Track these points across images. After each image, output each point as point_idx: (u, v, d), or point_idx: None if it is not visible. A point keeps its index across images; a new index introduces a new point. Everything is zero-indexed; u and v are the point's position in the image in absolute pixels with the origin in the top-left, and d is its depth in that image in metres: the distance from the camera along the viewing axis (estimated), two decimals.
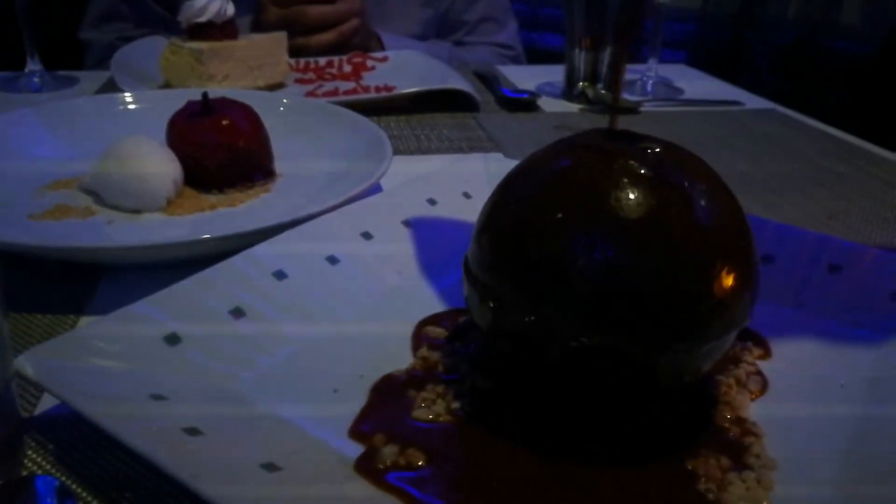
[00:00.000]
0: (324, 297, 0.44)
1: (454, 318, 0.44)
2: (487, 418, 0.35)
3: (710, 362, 0.33)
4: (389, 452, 0.33)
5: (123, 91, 0.76)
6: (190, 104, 0.61)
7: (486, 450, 0.34)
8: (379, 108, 0.89)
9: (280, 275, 0.44)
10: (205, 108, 0.60)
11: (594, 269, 0.30)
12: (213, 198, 0.60)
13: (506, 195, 0.36)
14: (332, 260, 0.47)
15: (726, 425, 0.35)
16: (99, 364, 0.35)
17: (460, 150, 0.79)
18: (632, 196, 0.31)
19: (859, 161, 0.79)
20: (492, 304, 0.34)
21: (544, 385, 0.35)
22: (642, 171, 0.32)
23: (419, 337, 0.42)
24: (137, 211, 0.56)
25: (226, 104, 0.62)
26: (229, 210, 0.58)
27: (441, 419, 0.35)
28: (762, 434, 0.35)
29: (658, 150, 0.34)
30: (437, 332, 0.42)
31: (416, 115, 0.89)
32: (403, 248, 0.50)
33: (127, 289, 0.43)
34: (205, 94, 0.61)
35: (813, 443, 0.34)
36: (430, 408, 0.36)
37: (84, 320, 0.45)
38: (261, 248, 0.45)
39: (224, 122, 0.60)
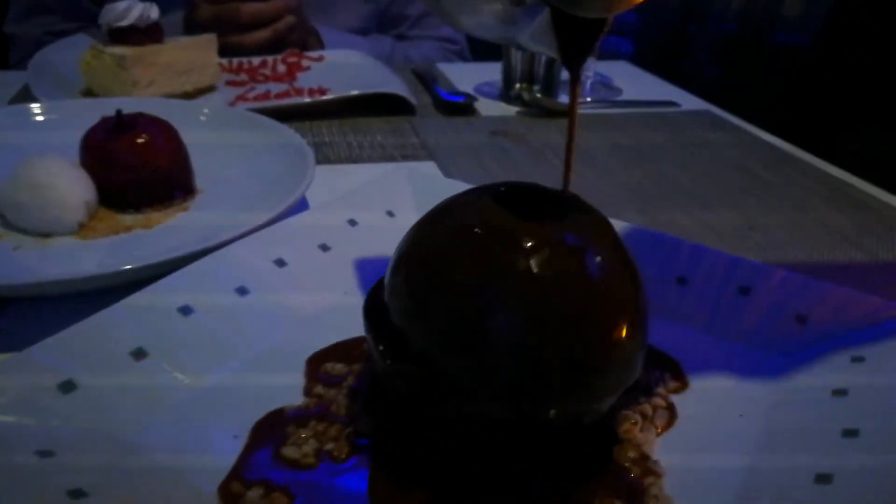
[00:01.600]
0: (231, 333, 0.43)
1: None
2: (358, 463, 0.35)
3: (607, 406, 0.34)
4: (255, 496, 0.32)
5: (38, 100, 0.73)
6: (104, 120, 0.59)
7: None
8: (312, 111, 0.87)
9: (186, 310, 0.43)
10: (119, 125, 0.58)
11: (482, 332, 0.30)
12: (128, 218, 0.58)
13: (409, 252, 0.36)
14: (242, 291, 0.46)
15: (627, 465, 0.35)
16: None
17: (392, 159, 0.78)
18: (523, 266, 0.31)
19: (787, 168, 0.81)
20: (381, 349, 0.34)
21: (430, 430, 0.35)
22: (534, 243, 0.31)
23: (316, 372, 0.42)
24: (47, 235, 0.55)
25: (141, 120, 0.60)
26: (144, 233, 0.56)
27: (304, 461, 0.35)
28: (663, 473, 0.35)
29: (554, 212, 0.34)
30: (338, 368, 0.42)
31: (350, 120, 0.88)
32: (317, 275, 0.49)
33: (35, 319, 0.43)
34: (118, 112, 0.59)
35: (709, 482, 0.35)
36: (300, 447, 0.36)
37: None
38: (167, 282, 0.44)
39: (140, 141, 0.58)
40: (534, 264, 0.31)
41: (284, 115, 0.80)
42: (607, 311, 0.31)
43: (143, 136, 0.59)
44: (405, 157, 0.78)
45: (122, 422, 0.36)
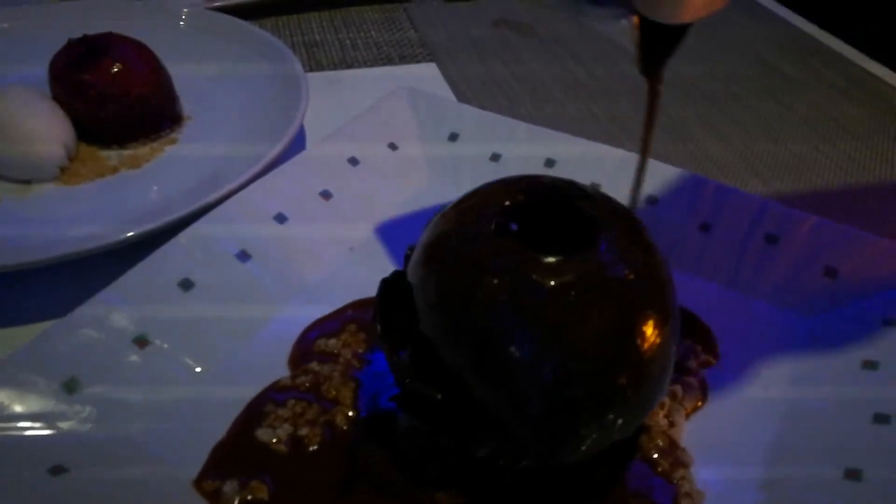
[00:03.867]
0: (234, 306, 0.41)
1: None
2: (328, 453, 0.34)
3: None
4: (231, 490, 0.32)
5: None
6: (71, 45, 0.54)
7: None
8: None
9: (186, 285, 0.41)
10: (90, 51, 0.53)
11: (522, 373, 0.28)
12: (113, 156, 0.54)
13: (444, 268, 0.31)
14: (243, 257, 0.43)
15: (656, 455, 0.35)
16: None
17: (389, 61, 0.72)
18: (561, 306, 0.28)
19: (813, 60, 0.75)
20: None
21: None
22: (575, 280, 0.28)
23: (310, 346, 0.40)
24: (27, 181, 0.51)
25: (113, 42, 0.54)
26: (132, 174, 0.52)
27: (274, 447, 0.35)
28: (691, 462, 0.35)
29: (585, 225, 0.31)
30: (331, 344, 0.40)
31: (340, 11, 0.81)
32: (320, 231, 0.46)
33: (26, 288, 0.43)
34: (85, 36, 0.53)
35: (733, 473, 0.35)
36: (275, 430, 0.35)
37: None
38: (164, 252, 0.41)
39: (116, 69, 0.53)
40: (573, 303, 0.28)
41: (269, 8, 0.73)
42: (645, 351, 0.29)
43: (120, 62, 0.53)
44: (402, 59, 0.72)
45: (127, 410, 0.36)
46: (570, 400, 0.28)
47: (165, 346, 0.38)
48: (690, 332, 0.41)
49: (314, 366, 0.39)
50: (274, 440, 0.35)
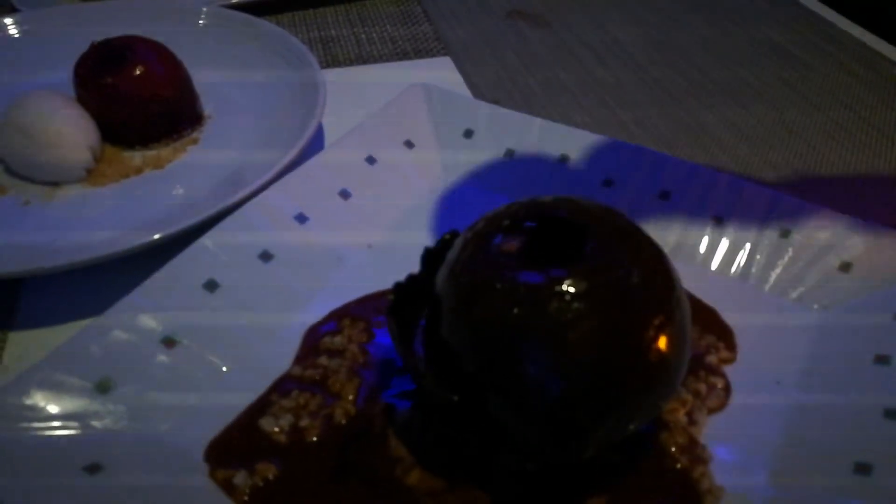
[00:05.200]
0: (257, 304, 0.42)
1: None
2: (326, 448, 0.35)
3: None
4: (243, 481, 0.34)
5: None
6: (95, 48, 0.55)
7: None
8: None
9: (211, 286, 0.42)
10: (113, 54, 0.54)
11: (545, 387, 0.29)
12: (136, 157, 0.55)
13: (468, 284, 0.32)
14: (266, 257, 0.44)
15: (674, 451, 0.35)
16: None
17: (405, 56, 0.72)
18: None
19: (830, 47, 0.75)
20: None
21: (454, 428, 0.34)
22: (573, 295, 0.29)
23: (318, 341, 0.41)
24: (55, 183, 0.52)
25: (136, 44, 0.55)
26: (156, 174, 0.54)
27: (274, 437, 0.36)
28: (709, 459, 0.35)
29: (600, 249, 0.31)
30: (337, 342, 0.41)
31: (356, 5, 0.81)
32: (340, 230, 0.47)
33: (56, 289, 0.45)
34: (108, 39, 0.54)
35: (747, 467, 0.35)
36: (277, 420, 0.37)
37: (13, 337, 0.43)
38: (190, 254, 0.42)
39: (139, 72, 0.54)
40: (579, 310, 0.28)
41: (286, 4, 0.74)
42: (653, 352, 0.30)
43: (143, 64, 0.54)
44: (418, 53, 0.73)
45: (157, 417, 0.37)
46: (581, 401, 0.29)
47: (193, 346, 0.40)
48: (710, 328, 0.42)
49: (323, 360, 0.40)
50: (275, 429, 0.36)
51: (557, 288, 0.29)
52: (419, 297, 0.36)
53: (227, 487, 0.34)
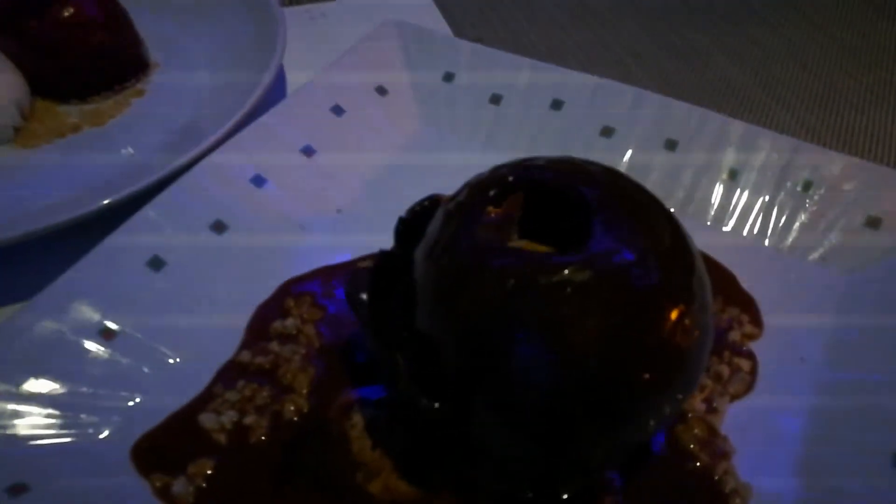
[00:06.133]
0: (208, 284, 0.37)
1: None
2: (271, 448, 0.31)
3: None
4: (182, 488, 0.30)
5: None
6: None
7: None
8: None
9: (156, 264, 0.37)
10: None
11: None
12: (73, 112, 0.49)
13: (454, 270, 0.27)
14: (218, 227, 0.39)
15: (693, 447, 0.31)
16: None
17: None
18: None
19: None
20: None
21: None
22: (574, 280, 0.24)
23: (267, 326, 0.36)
24: None
25: None
26: (96, 133, 0.47)
27: (214, 436, 0.31)
28: (733, 452, 0.31)
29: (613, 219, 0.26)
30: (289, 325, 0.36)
31: None
32: (304, 193, 0.42)
33: None
34: None
35: (773, 460, 0.31)
36: (219, 416, 0.32)
37: None
38: (135, 224, 0.37)
39: (69, 13, 0.47)
40: (582, 306, 0.23)
41: None
42: (681, 366, 0.25)
43: (73, 5, 0.47)
44: None
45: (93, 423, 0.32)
46: (585, 413, 0.24)
47: (135, 336, 0.34)
48: (733, 298, 0.37)
49: (274, 346, 0.35)
50: (216, 427, 0.32)
51: (558, 277, 0.23)
52: (393, 278, 0.31)
53: (165, 496, 0.30)
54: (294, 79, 0.53)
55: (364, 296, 0.31)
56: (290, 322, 0.36)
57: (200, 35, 0.54)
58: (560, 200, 0.27)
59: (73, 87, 0.49)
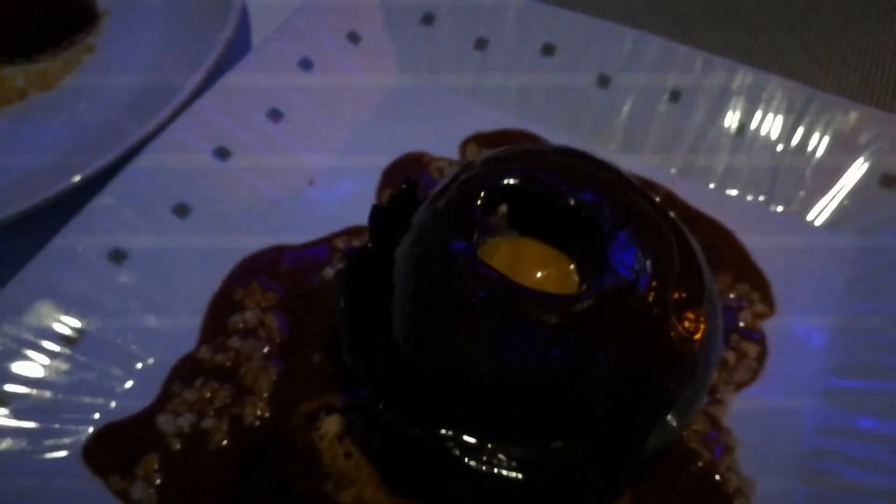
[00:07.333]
0: (174, 274, 0.35)
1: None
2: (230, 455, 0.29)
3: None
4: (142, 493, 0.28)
5: None
6: None
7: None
8: None
9: (117, 256, 0.34)
10: None
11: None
12: (18, 74, 0.44)
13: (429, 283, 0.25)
14: (181, 210, 0.36)
15: (695, 446, 0.29)
16: None
17: None
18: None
19: None
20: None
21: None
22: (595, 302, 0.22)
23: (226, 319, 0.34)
24: None
25: None
26: (45, 99, 0.43)
27: (170, 440, 0.30)
28: (736, 444, 0.29)
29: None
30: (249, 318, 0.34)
31: None
32: (271, 163, 0.38)
33: None
34: None
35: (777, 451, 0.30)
36: (176, 419, 0.30)
37: None
38: (88, 218, 0.34)
39: None
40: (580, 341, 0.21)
41: None
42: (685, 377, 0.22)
43: None
44: None
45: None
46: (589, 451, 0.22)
47: (98, 339, 0.32)
48: (743, 274, 0.34)
49: (234, 342, 0.33)
50: (172, 431, 0.30)
51: (560, 317, 0.21)
52: (370, 278, 0.28)
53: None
54: (259, 23, 0.48)
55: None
56: (249, 315, 0.33)
57: None
58: (559, 207, 0.24)
59: (16, 45, 0.45)
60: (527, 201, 0.25)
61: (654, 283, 0.22)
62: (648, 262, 0.22)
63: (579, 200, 0.24)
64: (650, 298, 0.22)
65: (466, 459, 0.23)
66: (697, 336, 0.24)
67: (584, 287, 0.24)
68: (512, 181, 0.25)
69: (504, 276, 0.22)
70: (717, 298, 0.27)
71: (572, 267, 0.26)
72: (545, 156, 0.26)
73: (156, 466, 0.29)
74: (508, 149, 0.28)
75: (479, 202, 0.24)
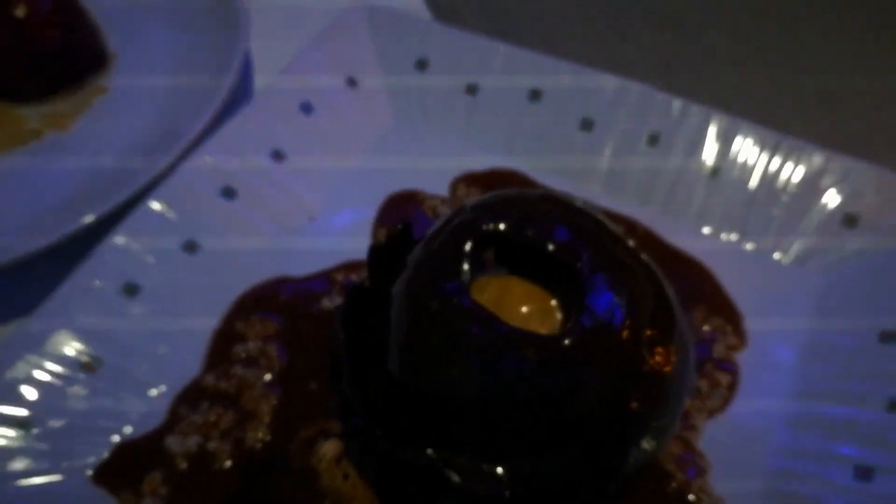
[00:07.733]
0: (185, 306, 0.37)
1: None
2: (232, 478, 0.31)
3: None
4: None
5: None
6: None
7: None
8: None
9: (131, 290, 0.36)
10: None
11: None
12: (32, 115, 0.46)
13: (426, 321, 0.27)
14: (190, 247, 0.38)
15: (669, 467, 0.32)
16: None
17: None
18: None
19: None
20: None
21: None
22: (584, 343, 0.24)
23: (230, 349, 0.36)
24: None
25: None
26: (59, 139, 0.45)
27: (177, 461, 0.32)
28: (709, 467, 0.32)
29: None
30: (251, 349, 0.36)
31: None
32: (275, 201, 0.41)
33: None
34: None
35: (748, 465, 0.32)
36: (183, 440, 0.33)
37: None
38: (101, 256, 0.36)
39: (20, 11, 0.44)
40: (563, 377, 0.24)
41: None
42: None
43: (23, 1, 0.45)
44: None
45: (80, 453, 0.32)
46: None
47: (116, 367, 0.34)
48: (716, 308, 0.37)
49: (238, 370, 0.35)
50: (180, 451, 0.32)
51: (544, 353, 0.24)
52: (368, 314, 0.31)
53: None
54: (261, 62, 0.51)
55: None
56: (251, 345, 0.36)
57: (160, 21, 0.51)
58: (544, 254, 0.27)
59: (29, 87, 0.47)
60: (513, 246, 0.27)
61: (628, 322, 0.25)
62: (623, 304, 0.25)
63: (560, 246, 0.26)
64: (625, 336, 0.25)
65: (455, 477, 0.26)
66: (668, 368, 0.26)
67: (567, 324, 0.26)
68: (500, 227, 0.27)
69: (494, 315, 0.25)
70: (689, 333, 0.29)
71: (554, 303, 0.28)
72: (529, 204, 0.28)
73: (164, 484, 0.31)
74: (497, 195, 0.30)
75: (468, 247, 0.27)
